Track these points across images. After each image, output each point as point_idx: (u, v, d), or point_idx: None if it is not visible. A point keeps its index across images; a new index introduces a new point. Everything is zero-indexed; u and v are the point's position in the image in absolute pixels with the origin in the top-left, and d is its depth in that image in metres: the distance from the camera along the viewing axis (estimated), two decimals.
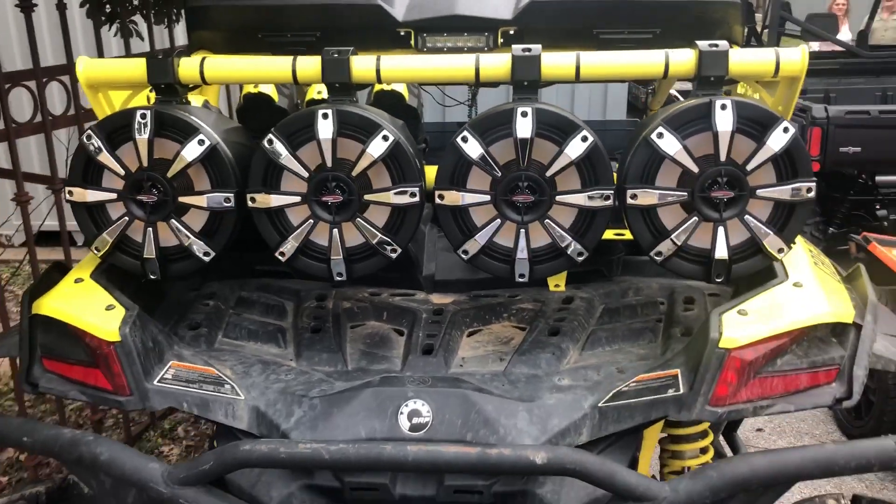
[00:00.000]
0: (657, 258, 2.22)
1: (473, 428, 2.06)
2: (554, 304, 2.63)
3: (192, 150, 2.23)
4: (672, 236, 2.18)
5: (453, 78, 2.37)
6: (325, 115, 2.17)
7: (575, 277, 2.76)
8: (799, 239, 2.46)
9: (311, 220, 2.26)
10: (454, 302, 2.67)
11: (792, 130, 2.10)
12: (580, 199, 2.19)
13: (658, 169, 2.18)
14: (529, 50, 2.23)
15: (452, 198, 2.22)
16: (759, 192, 2.14)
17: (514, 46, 2.25)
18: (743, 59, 2.22)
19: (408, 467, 1.90)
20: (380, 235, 2.26)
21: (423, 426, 2.07)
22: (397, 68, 2.33)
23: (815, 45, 7.55)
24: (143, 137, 2.23)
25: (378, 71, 2.30)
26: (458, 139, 2.18)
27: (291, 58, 2.33)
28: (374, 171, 2.25)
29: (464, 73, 2.31)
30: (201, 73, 2.33)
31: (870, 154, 6.33)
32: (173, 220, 2.29)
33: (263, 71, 2.38)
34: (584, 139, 2.15)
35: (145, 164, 2.25)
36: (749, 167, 2.12)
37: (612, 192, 2.19)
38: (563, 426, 2.07)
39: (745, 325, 2.00)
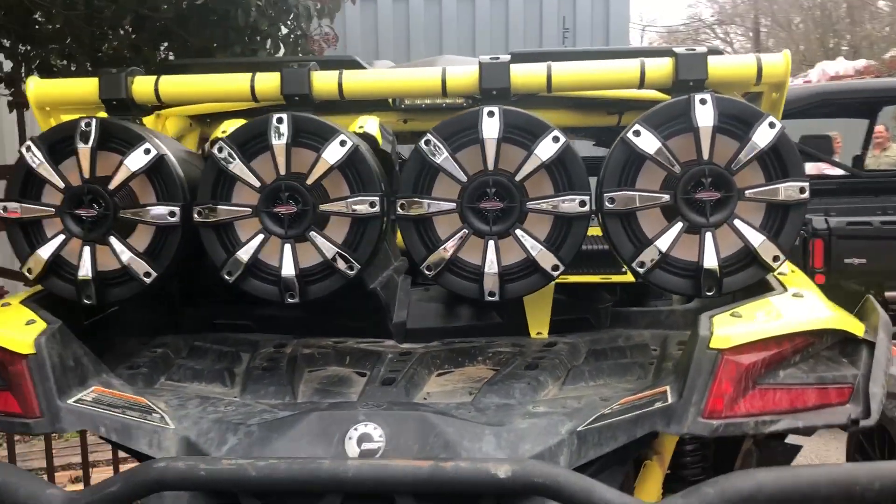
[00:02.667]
0: (639, 269, 2.00)
1: (432, 453, 1.78)
2: (534, 347, 2.38)
3: (136, 160, 2.08)
4: (656, 243, 1.98)
5: (419, 90, 2.26)
6: (279, 120, 2.04)
7: (560, 326, 2.53)
8: (795, 268, 2.25)
9: (262, 235, 2.07)
10: (424, 347, 2.43)
11: (778, 126, 1.94)
12: (553, 204, 2.01)
13: (638, 172, 2.01)
14: (498, 58, 2.12)
15: (416, 207, 2.05)
16: (748, 193, 1.96)
17: (482, 56, 2.15)
18: (723, 64, 2.10)
19: (348, 486, 1.61)
20: (335, 249, 2.06)
21: (373, 452, 1.79)
22: (361, 81, 2.21)
23: (810, 167, 7.57)
24: (85, 147, 2.08)
25: (340, 84, 2.19)
26: (422, 143, 2.03)
27: (250, 74, 2.23)
28: (332, 184, 2.09)
29: (429, 84, 2.19)
30: (156, 90, 2.22)
31: (875, 265, 6.15)
32: (113, 238, 2.10)
33: (222, 88, 2.27)
34: (556, 140, 2.00)
35: (87, 176, 2.10)
36: (734, 166, 1.95)
37: (589, 196, 2.01)
38: (537, 451, 1.78)
39: (738, 324, 1.76)
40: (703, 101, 1.95)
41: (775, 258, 1.97)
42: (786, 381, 1.76)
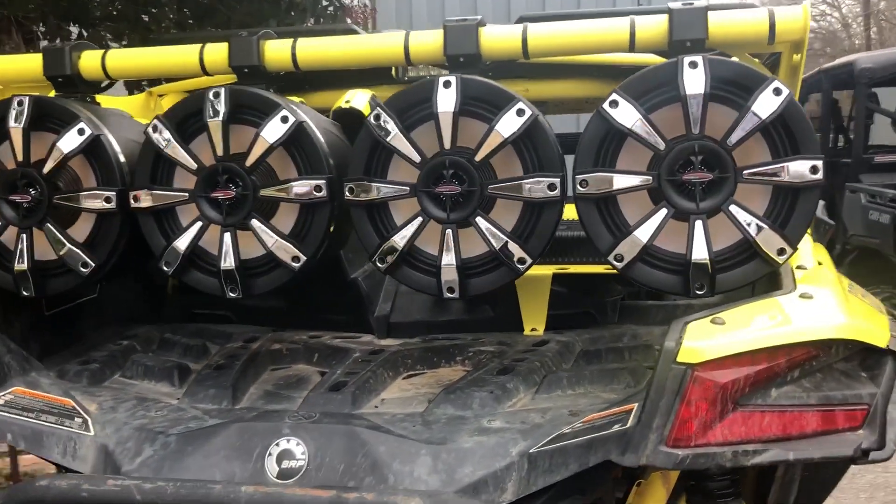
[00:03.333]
0: (617, 263, 1.71)
1: (358, 475, 1.55)
2: (521, 346, 2.12)
3: (69, 141, 1.91)
4: (635, 233, 1.69)
5: (379, 59, 2.01)
6: (215, 95, 1.83)
7: (558, 321, 2.26)
8: (827, 261, 1.91)
9: (200, 222, 1.88)
10: (403, 343, 2.20)
11: (785, 92, 1.61)
12: (517, 188, 1.74)
13: (619, 150, 1.72)
14: (466, 20, 1.86)
15: (365, 191, 1.81)
16: (747, 173, 1.64)
17: (448, 18, 1.89)
18: (726, 21, 1.77)
19: None
20: (277, 239, 1.85)
21: (294, 472, 1.58)
22: (317, 50, 1.98)
23: None
24: (17, 128, 1.93)
25: (294, 54, 1.96)
26: (371, 119, 1.79)
27: (199, 46, 2.03)
28: (283, 166, 1.88)
29: (390, 52, 1.94)
30: (103, 65, 2.05)
31: None
32: (49, 225, 1.94)
33: (171, 61, 2.08)
34: (521, 113, 1.72)
35: (20, 159, 1.94)
36: (731, 141, 1.63)
37: (559, 179, 1.73)
38: (478, 477, 1.53)
39: (717, 334, 1.46)
40: (692, 65, 1.64)
41: (780, 251, 1.64)
42: (778, 402, 1.45)
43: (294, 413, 1.71)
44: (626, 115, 1.66)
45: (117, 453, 1.69)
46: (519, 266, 1.77)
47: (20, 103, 1.93)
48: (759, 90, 1.61)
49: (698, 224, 1.65)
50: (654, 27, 1.79)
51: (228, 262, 1.86)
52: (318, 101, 2.42)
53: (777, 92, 1.61)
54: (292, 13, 5.05)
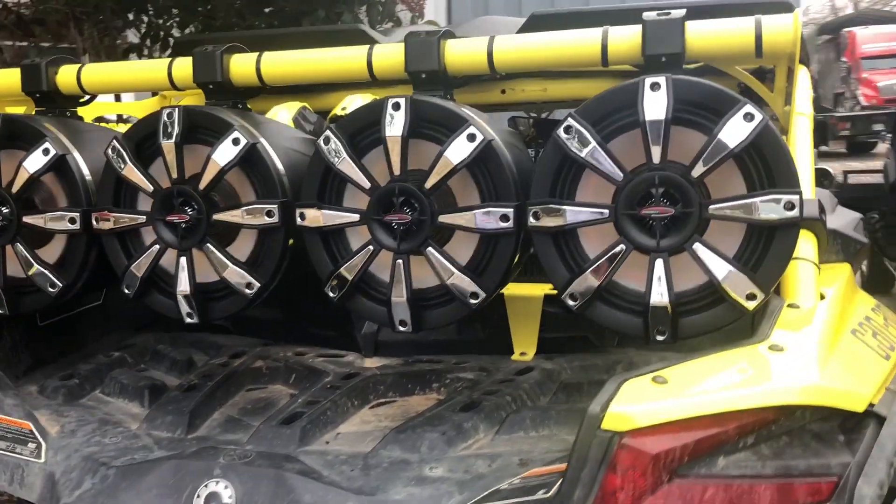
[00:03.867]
0: (571, 302, 1.58)
1: None
2: (501, 375, 2.00)
3: (34, 161, 1.90)
4: (589, 270, 1.54)
5: (343, 75, 1.91)
6: (169, 115, 1.78)
7: (551, 345, 2.13)
8: (839, 293, 1.70)
9: (157, 245, 1.84)
10: (383, 366, 2.11)
11: (759, 117, 1.43)
12: (470, 218, 1.62)
13: (578, 179, 1.58)
14: (426, 34, 1.74)
15: (313, 217, 1.73)
16: (713, 208, 1.47)
17: (409, 30, 1.77)
18: (706, 32, 1.59)
19: None
20: (230, 265, 1.79)
21: None
22: (282, 65, 1.91)
23: None
24: None
25: (259, 69, 1.89)
26: (322, 141, 1.70)
27: (168, 60, 1.98)
28: (242, 188, 1.82)
29: (353, 66, 1.84)
30: (79, 80, 2.03)
31: None
32: (19, 245, 1.95)
33: (143, 76, 2.05)
34: (472, 138, 1.60)
35: None
36: (696, 173, 1.47)
37: (514, 209, 1.60)
38: None
39: (654, 396, 1.31)
40: (654, 86, 1.47)
41: (750, 296, 1.47)
42: (726, 473, 1.30)
43: (231, 451, 1.66)
44: (580, 142, 1.51)
45: (61, 483, 1.68)
46: (471, 301, 1.65)
47: None
48: (727, 115, 1.44)
49: (658, 263, 1.50)
50: (626, 40, 1.63)
51: (183, 286, 1.82)
52: (333, 101, 2.32)
53: (748, 117, 1.43)
54: (343, 1, 5.00)
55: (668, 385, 1.32)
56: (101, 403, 2.06)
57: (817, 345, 1.47)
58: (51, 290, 1.94)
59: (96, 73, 2.06)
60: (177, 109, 1.78)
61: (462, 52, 1.74)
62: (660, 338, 1.52)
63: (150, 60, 2.08)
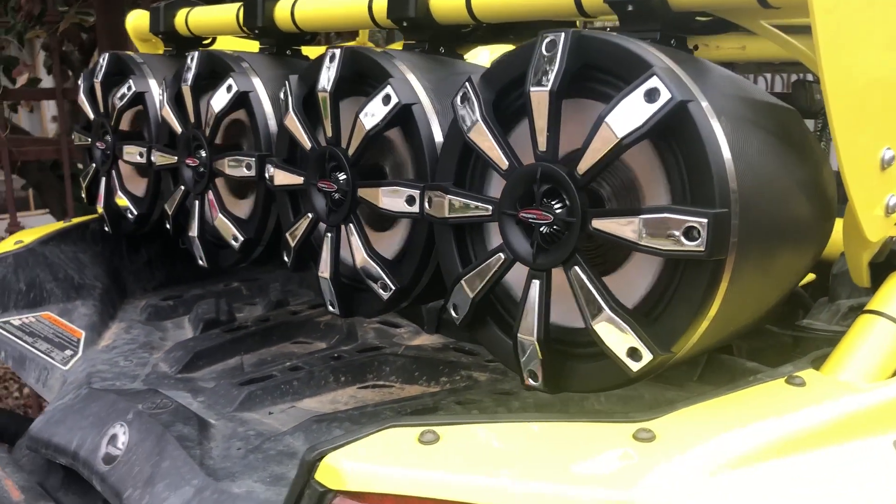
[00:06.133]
0: (453, 315, 1.27)
1: (136, 485, 1.45)
2: (508, 384, 1.71)
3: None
4: (464, 279, 1.22)
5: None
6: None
7: None
8: None
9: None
10: (418, 346, 1.94)
11: (664, 97, 0.97)
12: (377, 195, 1.37)
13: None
14: None
15: (272, 176, 1.61)
16: (597, 222, 1.05)
17: None
18: None
19: None
20: (218, 216, 1.76)
21: (112, 459, 1.54)
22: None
23: None
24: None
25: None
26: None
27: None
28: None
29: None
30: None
31: None
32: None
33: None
34: (387, 100, 1.34)
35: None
36: (581, 169, 1.06)
37: (420, 191, 1.32)
38: None
39: (402, 457, 0.99)
40: (550, 46, 1.08)
41: (632, 353, 1.03)
42: None
43: (159, 400, 1.65)
44: (469, 115, 1.18)
45: (62, 391, 1.84)
46: (381, 292, 1.41)
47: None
48: (625, 90, 1.00)
49: (534, 285, 1.12)
50: None
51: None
52: None
53: (651, 96, 0.98)
54: None
55: (434, 447, 0.99)
56: (172, 328, 2.20)
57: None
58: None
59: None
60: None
61: None
62: (532, 382, 1.15)
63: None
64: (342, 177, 1.44)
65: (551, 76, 1.07)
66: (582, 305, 1.06)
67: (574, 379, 1.12)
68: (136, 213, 2.08)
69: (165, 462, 1.45)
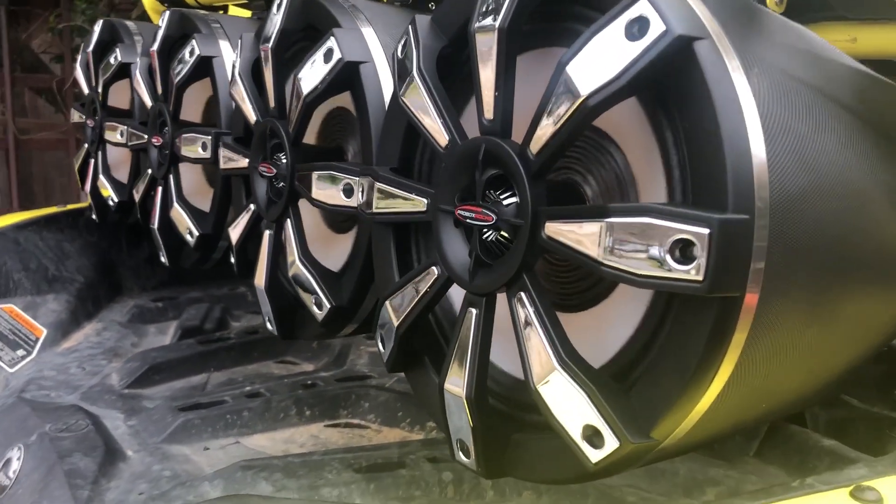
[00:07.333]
0: (379, 346, 0.92)
1: None
2: None
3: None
4: (389, 301, 0.87)
5: None
6: (162, 19, 1.52)
7: None
8: None
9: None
10: (401, 380, 1.60)
11: (660, 28, 0.61)
12: (313, 181, 1.05)
13: None
14: None
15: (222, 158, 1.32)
16: (551, 226, 0.68)
17: None
18: None
19: None
20: (175, 206, 1.48)
21: (1, 489, 1.27)
22: None
23: None
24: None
25: None
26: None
27: None
28: None
29: None
30: None
31: None
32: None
33: None
34: (328, 56, 1.01)
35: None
36: (535, 145, 0.70)
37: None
38: None
39: None
40: None
41: (588, 433, 0.66)
42: None
43: (72, 423, 1.37)
44: (402, 72, 0.85)
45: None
46: (315, 310, 1.08)
47: None
48: (599, 22, 0.64)
49: (470, 315, 0.76)
50: None
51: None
52: None
53: (636, 28, 0.61)
54: None
55: None
56: (154, 333, 1.95)
57: None
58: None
59: None
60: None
61: None
62: (464, 459, 0.79)
63: None
64: (284, 159, 1.12)
65: (503, 7, 0.71)
66: (524, 353, 0.70)
67: (519, 462, 0.76)
68: (116, 199, 1.83)
69: (44, 503, 1.16)
